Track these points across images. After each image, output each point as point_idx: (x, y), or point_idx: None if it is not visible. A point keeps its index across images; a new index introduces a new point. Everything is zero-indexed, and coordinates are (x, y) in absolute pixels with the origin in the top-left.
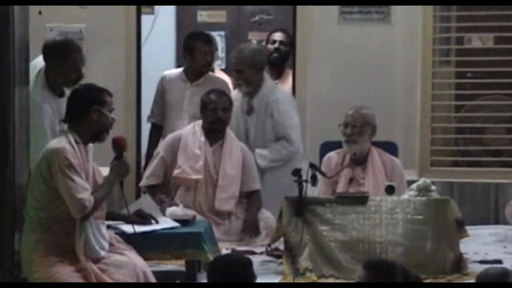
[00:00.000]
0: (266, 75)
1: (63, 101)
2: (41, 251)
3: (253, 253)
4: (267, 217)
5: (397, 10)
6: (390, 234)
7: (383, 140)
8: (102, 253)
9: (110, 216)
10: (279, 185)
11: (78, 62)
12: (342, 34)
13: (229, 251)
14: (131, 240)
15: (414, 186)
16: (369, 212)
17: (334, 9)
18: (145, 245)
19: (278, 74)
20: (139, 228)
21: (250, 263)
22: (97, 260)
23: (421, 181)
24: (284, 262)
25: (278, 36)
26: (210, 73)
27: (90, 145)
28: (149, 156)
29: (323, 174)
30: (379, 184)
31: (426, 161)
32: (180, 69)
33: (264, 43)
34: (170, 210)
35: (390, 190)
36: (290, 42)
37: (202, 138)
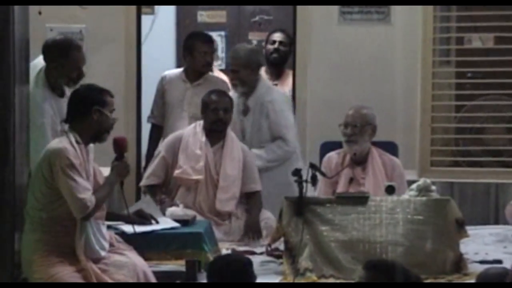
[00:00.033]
0: (263, 76)
1: (64, 101)
2: (41, 251)
3: (253, 253)
4: (267, 217)
5: (397, 10)
6: (390, 234)
7: (383, 140)
8: (103, 253)
9: (110, 216)
10: (275, 185)
11: (79, 60)
12: (342, 34)
13: (229, 251)
14: (131, 240)
15: (414, 186)
16: (369, 212)
17: (334, 9)
18: (145, 245)
19: (277, 74)
20: (139, 228)
21: (250, 263)
22: (97, 260)
23: (421, 181)
24: (284, 262)
25: (277, 36)
26: (210, 73)
27: (91, 145)
28: (149, 156)
29: (323, 174)
30: (379, 184)
31: (426, 161)
32: (180, 69)
33: (263, 44)
34: (170, 210)
35: (390, 190)
36: (290, 43)
37: (203, 139)
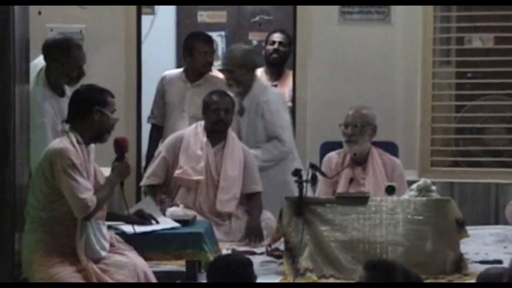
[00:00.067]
0: (259, 76)
1: (64, 101)
2: (42, 251)
3: (253, 253)
4: (267, 218)
5: (397, 10)
6: (391, 234)
7: (383, 140)
8: (103, 253)
9: (111, 216)
10: (272, 184)
11: (79, 59)
12: (342, 34)
13: (229, 252)
14: (131, 240)
15: (414, 186)
16: (370, 212)
17: (334, 9)
18: (146, 245)
19: (277, 75)
20: (140, 228)
21: (250, 263)
22: (97, 260)
23: (421, 181)
24: (285, 262)
25: (277, 37)
26: (210, 73)
27: (92, 145)
28: (150, 156)
29: (323, 174)
30: (380, 184)
31: (427, 161)
32: (180, 70)
33: (263, 44)
34: (171, 210)
35: (390, 190)
36: (289, 43)
37: (204, 139)
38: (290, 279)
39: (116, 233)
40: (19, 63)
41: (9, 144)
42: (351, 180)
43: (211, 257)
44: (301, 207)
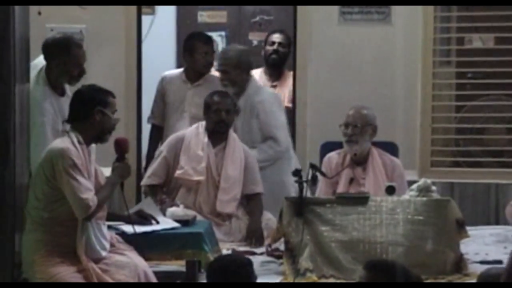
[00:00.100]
0: (258, 76)
1: (65, 100)
2: (42, 252)
3: (253, 253)
4: (268, 218)
5: (398, 11)
6: (391, 235)
7: (383, 141)
8: (103, 254)
9: (111, 216)
10: (267, 184)
11: (80, 57)
12: (342, 35)
13: (229, 252)
14: (131, 240)
15: (414, 186)
16: (370, 212)
17: (335, 9)
18: (146, 245)
19: (277, 75)
20: (140, 229)
21: (250, 263)
22: (98, 260)
23: (421, 181)
24: (285, 263)
25: (276, 37)
26: (211, 73)
27: (93, 146)
28: (150, 157)
29: (323, 174)
30: (380, 185)
31: (427, 161)
32: (180, 70)
33: (263, 44)
34: (171, 210)
35: (390, 190)
36: (289, 44)
37: (205, 140)
38: (290, 279)
39: (117, 233)
40: (19, 63)
41: (9, 144)
42: (351, 180)
43: (211, 257)
44: (301, 207)
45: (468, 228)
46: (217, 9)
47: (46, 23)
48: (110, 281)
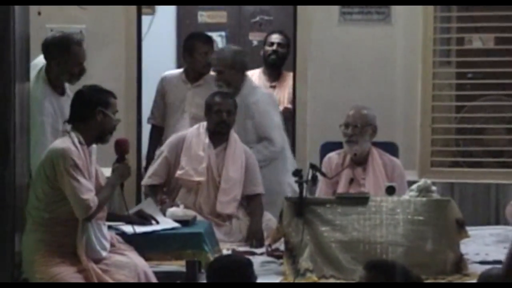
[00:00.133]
0: (248, 77)
1: (65, 100)
2: (43, 252)
3: (253, 253)
4: (268, 219)
5: (398, 11)
6: (391, 235)
7: (383, 141)
8: (104, 254)
9: (111, 217)
10: (263, 184)
11: (80, 55)
12: (342, 35)
13: (229, 252)
14: (131, 240)
15: (414, 186)
16: (370, 212)
17: (335, 9)
18: (146, 245)
19: (275, 76)
20: (140, 229)
21: (250, 264)
22: (98, 260)
23: (421, 181)
24: (285, 263)
25: (275, 38)
26: (211, 73)
27: (93, 146)
28: (150, 157)
29: (323, 174)
30: (380, 185)
31: (427, 161)
32: (180, 70)
33: (262, 45)
34: (171, 210)
35: (390, 190)
36: (288, 44)
37: (207, 140)
38: (290, 280)
39: (117, 234)
40: (19, 63)
41: (9, 144)
42: (351, 181)
43: (211, 257)
44: (301, 208)
45: (468, 228)
46: (217, 9)
47: (46, 23)
48: (110, 281)
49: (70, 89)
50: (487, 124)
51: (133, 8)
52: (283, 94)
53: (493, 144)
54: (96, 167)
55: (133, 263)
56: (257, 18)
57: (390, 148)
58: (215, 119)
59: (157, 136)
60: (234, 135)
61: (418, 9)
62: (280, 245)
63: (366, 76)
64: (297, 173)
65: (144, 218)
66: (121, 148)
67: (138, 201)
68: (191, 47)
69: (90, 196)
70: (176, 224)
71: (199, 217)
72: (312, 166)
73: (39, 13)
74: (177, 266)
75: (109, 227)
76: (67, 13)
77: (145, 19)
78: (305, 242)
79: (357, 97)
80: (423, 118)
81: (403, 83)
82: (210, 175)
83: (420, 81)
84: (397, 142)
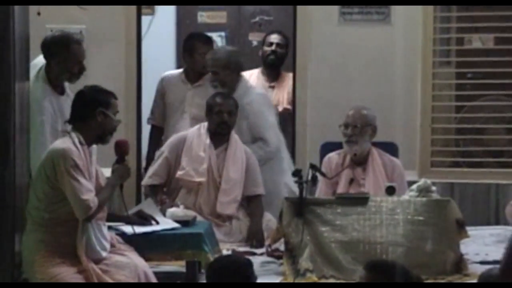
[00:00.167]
0: (244, 77)
1: (64, 99)
2: (43, 252)
3: (253, 254)
4: (268, 219)
5: (397, 11)
6: (391, 235)
7: (383, 141)
8: (104, 254)
9: (111, 217)
10: None
11: (80, 54)
12: (342, 35)
13: (229, 252)
14: (131, 241)
15: (414, 186)
16: (370, 212)
17: (334, 9)
18: (146, 246)
19: (274, 76)
20: (140, 229)
21: (250, 264)
22: (98, 261)
23: (421, 181)
24: (285, 263)
25: (274, 38)
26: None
27: (94, 146)
28: (150, 157)
29: (323, 174)
30: (380, 185)
31: (427, 161)
32: (180, 70)
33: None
34: (171, 211)
35: (390, 190)
36: (286, 44)
37: (207, 141)
38: (290, 280)
39: (117, 234)
40: (19, 63)
41: (9, 144)
42: (351, 181)
43: (211, 258)
44: (301, 208)
45: (468, 228)
46: (217, 10)
47: (46, 23)
48: (110, 281)
49: (70, 89)
50: (487, 124)
51: (133, 8)
52: (282, 95)
53: (493, 144)
54: (96, 167)
55: (133, 264)
56: (257, 19)
57: (390, 148)
58: (216, 120)
59: (157, 136)
60: (235, 136)
61: (418, 9)
62: (280, 245)
63: (366, 76)
64: (297, 173)
65: (144, 219)
66: (121, 149)
67: (138, 201)
68: (191, 47)
69: (90, 196)
70: (176, 225)
71: (199, 218)
72: (312, 166)
73: (39, 14)
74: (177, 266)
75: (109, 228)
76: (67, 13)
77: (145, 19)
78: (305, 242)
79: (357, 97)
80: (423, 118)
81: (403, 83)
82: (211, 175)
83: (420, 81)
84: (397, 142)
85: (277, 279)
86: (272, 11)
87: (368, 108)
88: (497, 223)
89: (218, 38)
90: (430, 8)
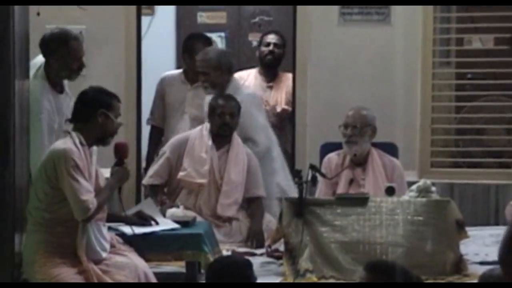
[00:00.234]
0: (235, 77)
1: (63, 98)
2: (43, 252)
3: (253, 254)
4: (268, 221)
5: (397, 11)
6: (391, 235)
7: (383, 141)
8: (104, 255)
9: (111, 217)
10: None
11: (79, 50)
12: (342, 35)
13: (229, 253)
14: (131, 241)
15: (414, 187)
16: (369, 213)
17: (334, 10)
18: (146, 246)
19: (272, 76)
20: (140, 230)
21: (250, 264)
22: (98, 261)
23: (421, 182)
24: (285, 263)
25: (271, 38)
26: None
27: (94, 147)
28: (150, 158)
29: (323, 175)
30: (379, 185)
31: (426, 162)
32: (179, 71)
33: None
34: (171, 211)
35: (390, 191)
36: (284, 44)
37: (210, 142)
38: (290, 280)
39: (117, 234)
40: (18, 63)
41: (9, 144)
42: (351, 181)
43: (211, 258)
44: (301, 208)
45: (468, 228)
46: (217, 10)
47: (46, 24)
48: (111, 282)
49: (70, 89)
50: (487, 124)
51: (132, 9)
52: (280, 95)
53: (493, 144)
54: (96, 168)
55: (133, 264)
56: (257, 19)
57: (390, 148)
58: (218, 122)
59: (157, 137)
60: (237, 138)
61: (418, 9)
62: (280, 246)
63: (366, 77)
64: (297, 173)
65: (143, 219)
66: (120, 152)
67: (138, 201)
68: (191, 48)
69: (90, 197)
70: (175, 225)
71: (199, 218)
72: (312, 167)
73: (38, 14)
74: (177, 267)
75: (109, 228)
76: (67, 13)
77: (145, 19)
78: (305, 243)
79: (357, 97)
80: (422, 119)
81: (403, 84)
82: (212, 177)
83: (420, 81)
84: (396, 142)
85: (277, 280)
86: (272, 11)
87: (367, 108)
88: (497, 223)
89: (218, 39)
90: (430, 8)
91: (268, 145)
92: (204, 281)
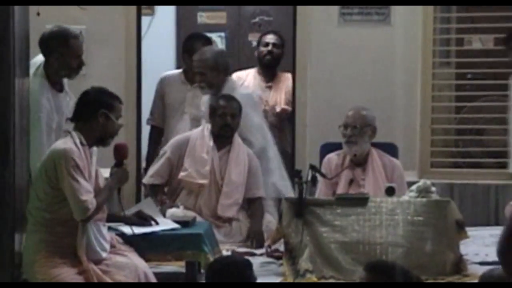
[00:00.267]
0: (232, 78)
1: (63, 97)
2: (44, 252)
3: (253, 254)
4: (268, 221)
5: (397, 11)
6: (390, 236)
7: (383, 142)
8: (104, 255)
9: (111, 218)
10: None
11: (78, 49)
12: (342, 35)
13: (229, 253)
14: (131, 241)
15: (414, 187)
16: (369, 213)
17: (334, 10)
18: (146, 246)
19: (271, 76)
20: (139, 230)
21: (249, 264)
22: (98, 261)
23: (421, 182)
24: (284, 263)
25: (270, 38)
26: None
27: (94, 148)
28: (150, 158)
29: (323, 175)
30: (379, 186)
31: (426, 162)
32: (179, 71)
33: (256, 45)
34: (171, 211)
35: (390, 191)
36: (282, 44)
37: (211, 143)
38: (290, 280)
39: (116, 234)
40: (18, 63)
41: (9, 144)
42: (351, 181)
43: (211, 258)
44: (301, 209)
45: (467, 229)
46: (217, 10)
47: (46, 24)
48: (110, 282)
49: (70, 88)
50: (487, 124)
51: (132, 9)
52: (279, 95)
53: (492, 144)
54: (96, 168)
55: (133, 264)
56: (257, 19)
57: (390, 148)
58: (219, 123)
59: (157, 137)
60: (238, 139)
61: (418, 9)
62: (280, 246)
63: (366, 77)
64: (297, 173)
65: (143, 219)
66: (119, 153)
67: (138, 201)
68: (191, 48)
69: (89, 197)
70: (175, 225)
71: (199, 218)
72: (312, 167)
73: (38, 14)
74: (177, 267)
75: (109, 228)
76: (67, 13)
77: (145, 19)
78: (305, 243)
79: (357, 97)
80: (422, 119)
81: (403, 84)
82: (213, 178)
83: (420, 81)
84: (396, 142)
85: (277, 280)
86: (272, 11)
87: (367, 108)
88: (496, 223)
89: (218, 39)
90: (430, 8)
91: (264, 145)
92: (204, 281)
